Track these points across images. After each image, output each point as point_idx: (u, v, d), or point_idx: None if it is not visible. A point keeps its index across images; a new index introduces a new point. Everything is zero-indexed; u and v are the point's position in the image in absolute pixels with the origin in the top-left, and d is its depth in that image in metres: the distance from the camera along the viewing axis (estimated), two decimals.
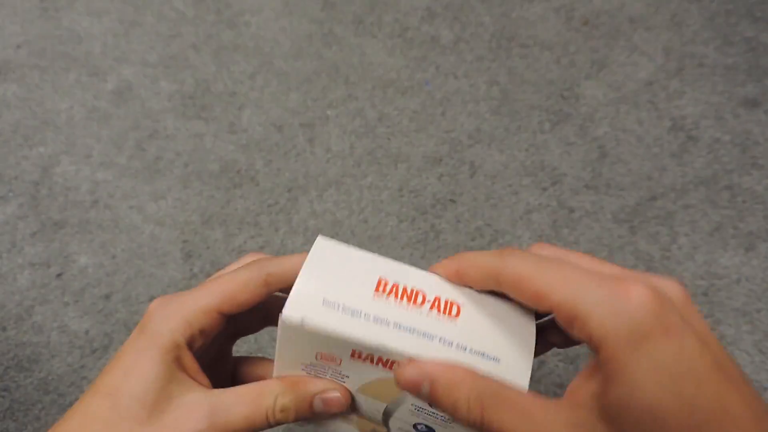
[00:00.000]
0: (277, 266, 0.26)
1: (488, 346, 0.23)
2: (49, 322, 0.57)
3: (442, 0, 0.83)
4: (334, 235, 0.61)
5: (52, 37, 0.80)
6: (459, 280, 0.24)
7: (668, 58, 0.74)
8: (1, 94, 0.74)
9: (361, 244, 0.60)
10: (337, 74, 0.75)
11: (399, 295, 0.23)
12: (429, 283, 0.24)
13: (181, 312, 0.25)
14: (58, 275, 0.60)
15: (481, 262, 0.23)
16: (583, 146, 0.67)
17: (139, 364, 0.24)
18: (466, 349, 0.23)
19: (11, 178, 0.67)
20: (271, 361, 0.30)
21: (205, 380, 0.25)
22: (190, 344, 0.25)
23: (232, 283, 0.25)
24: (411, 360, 0.22)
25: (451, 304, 0.24)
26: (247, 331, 0.31)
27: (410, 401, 0.24)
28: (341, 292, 0.23)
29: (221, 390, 0.24)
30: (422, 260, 0.59)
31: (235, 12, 0.81)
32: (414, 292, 0.24)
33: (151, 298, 0.58)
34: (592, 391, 0.19)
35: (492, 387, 0.22)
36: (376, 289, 0.23)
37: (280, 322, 0.23)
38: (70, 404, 0.52)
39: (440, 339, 0.23)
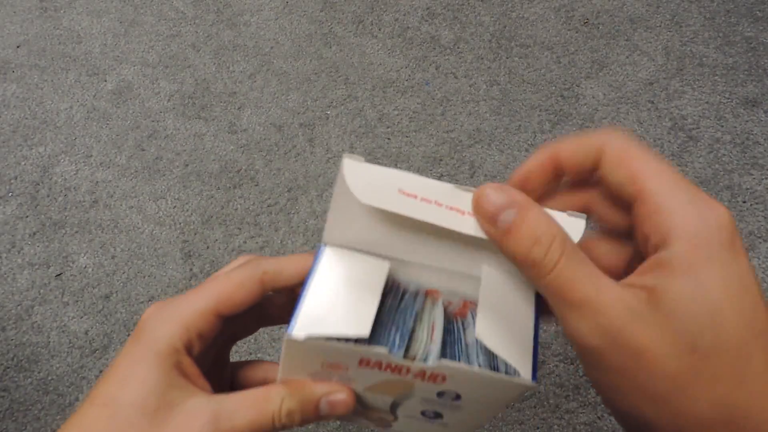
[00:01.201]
0: (272, 265, 0.26)
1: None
2: (49, 322, 0.57)
3: (442, 0, 0.82)
4: None
5: (51, 37, 0.80)
6: (553, 166, 0.23)
7: (668, 57, 0.74)
8: (1, 94, 0.74)
9: None
10: (337, 74, 0.75)
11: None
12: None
13: (177, 316, 0.24)
14: (58, 275, 0.60)
15: (582, 140, 0.22)
16: None
17: (136, 371, 0.23)
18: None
19: (11, 178, 0.67)
20: (270, 363, 0.30)
21: (206, 385, 0.25)
22: (188, 349, 0.24)
23: (228, 284, 0.25)
24: (498, 186, 0.21)
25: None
26: (243, 333, 0.30)
27: (420, 395, 0.24)
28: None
29: (224, 395, 0.24)
30: None
31: (235, 12, 0.81)
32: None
33: (151, 299, 0.58)
34: (651, 284, 0.19)
35: (574, 243, 0.20)
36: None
37: (286, 339, 0.23)
38: (70, 404, 0.52)
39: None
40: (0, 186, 0.66)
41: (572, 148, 0.22)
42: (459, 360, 0.23)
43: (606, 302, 0.19)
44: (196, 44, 0.78)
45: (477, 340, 0.23)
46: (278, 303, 0.29)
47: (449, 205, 0.22)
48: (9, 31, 0.80)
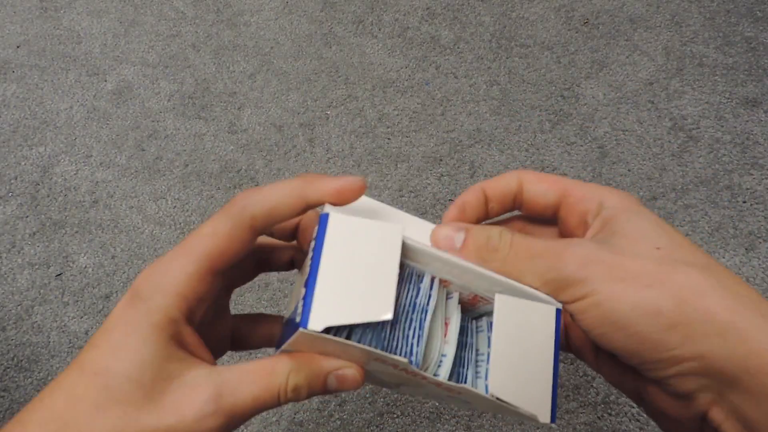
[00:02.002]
0: (260, 208, 0.23)
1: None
2: (49, 322, 0.57)
3: (442, 0, 0.82)
4: None
5: (51, 37, 0.80)
6: (482, 197, 0.27)
7: (668, 57, 0.74)
8: (1, 94, 0.74)
9: None
10: (337, 74, 0.75)
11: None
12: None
13: (172, 285, 0.22)
14: (58, 275, 0.60)
15: (501, 176, 0.27)
16: (583, 146, 0.67)
17: (130, 341, 0.21)
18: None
19: (11, 178, 0.67)
20: (274, 317, 0.29)
21: (208, 355, 0.23)
22: (189, 317, 0.23)
23: (216, 240, 0.23)
24: (444, 224, 0.25)
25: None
26: (241, 281, 0.28)
27: (432, 389, 0.24)
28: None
29: (227, 367, 0.22)
30: None
31: (235, 12, 0.81)
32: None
33: None
34: (605, 228, 0.23)
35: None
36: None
37: (300, 331, 0.21)
38: None
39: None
40: (0, 186, 0.66)
41: (495, 182, 0.26)
42: (468, 369, 0.23)
43: (567, 244, 0.22)
44: (196, 44, 0.78)
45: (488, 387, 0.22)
46: (275, 246, 0.28)
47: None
48: (9, 31, 0.80)
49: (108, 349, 0.21)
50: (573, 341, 0.28)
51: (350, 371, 0.23)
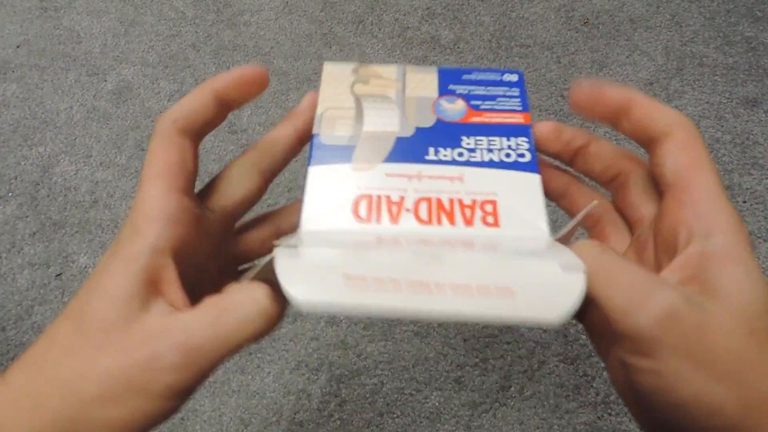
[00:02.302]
0: (175, 111, 0.24)
1: (503, 281, 0.20)
2: (49, 322, 0.57)
3: (442, 0, 0.82)
4: None
5: (51, 37, 0.80)
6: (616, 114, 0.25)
7: (668, 57, 0.74)
8: (0, 94, 0.74)
9: None
10: None
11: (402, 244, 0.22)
12: (428, 240, 0.23)
13: (139, 214, 0.22)
14: (58, 275, 0.60)
15: (660, 108, 0.24)
16: None
17: (103, 283, 0.21)
18: (497, 249, 0.22)
19: (11, 178, 0.67)
20: (269, 215, 0.28)
21: (181, 299, 0.22)
22: (170, 245, 0.22)
23: (156, 155, 0.23)
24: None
25: (461, 243, 0.23)
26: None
27: None
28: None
29: (185, 311, 0.21)
30: None
31: (235, 12, 0.81)
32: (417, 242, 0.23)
33: None
34: (701, 275, 0.20)
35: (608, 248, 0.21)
36: (377, 241, 0.23)
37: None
38: None
39: (463, 247, 0.22)
40: (0, 186, 0.66)
41: (652, 110, 0.24)
42: None
43: (656, 287, 0.19)
44: (196, 44, 0.78)
45: None
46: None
47: (412, 280, 0.19)
48: (9, 31, 0.80)
49: (84, 293, 0.21)
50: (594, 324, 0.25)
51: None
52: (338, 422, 0.51)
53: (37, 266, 0.61)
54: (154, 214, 0.22)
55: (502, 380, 0.53)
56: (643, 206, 0.24)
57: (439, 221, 0.24)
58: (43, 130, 0.71)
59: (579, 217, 0.24)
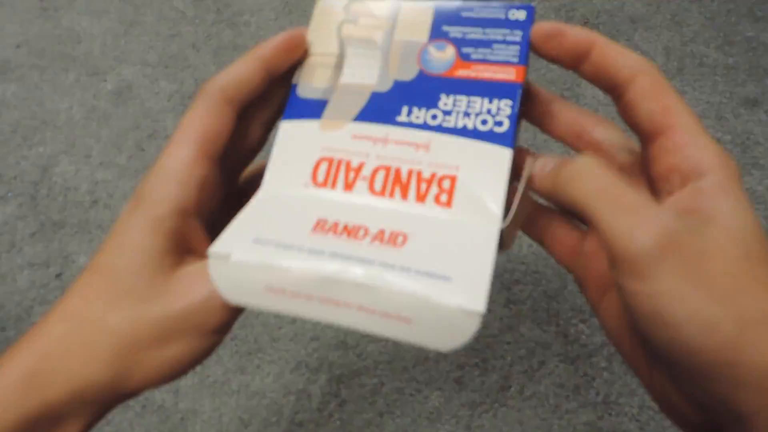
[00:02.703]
0: (223, 79, 0.24)
1: (437, 266, 0.21)
2: None
3: None
4: None
5: (51, 37, 0.80)
6: (547, 42, 0.25)
7: (668, 58, 0.74)
8: (0, 94, 0.74)
9: None
10: None
11: (338, 231, 0.22)
12: (373, 215, 0.23)
13: (168, 177, 0.22)
14: (58, 275, 0.60)
15: (624, 53, 0.24)
16: None
17: (133, 238, 0.22)
18: (410, 270, 0.20)
19: (11, 178, 0.67)
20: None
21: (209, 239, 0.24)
22: (195, 208, 0.23)
23: (197, 121, 0.23)
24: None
25: (396, 234, 0.22)
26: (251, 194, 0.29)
27: None
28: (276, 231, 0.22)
29: None
30: None
31: (234, 12, 0.81)
32: (355, 227, 0.22)
33: None
34: (697, 205, 0.20)
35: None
36: (314, 227, 0.22)
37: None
38: None
39: (380, 263, 0.21)
40: (0, 186, 0.66)
41: (613, 54, 0.24)
42: None
43: (655, 210, 0.19)
44: (196, 44, 0.78)
45: None
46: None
47: (323, 297, 0.21)
48: (9, 31, 0.80)
49: (113, 249, 0.22)
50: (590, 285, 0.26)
51: None
52: (338, 422, 0.51)
53: (37, 266, 0.61)
54: (184, 178, 0.23)
55: (502, 380, 0.53)
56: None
57: (392, 194, 0.23)
58: (43, 130, 0.71)
59: (519, 194, 0.23)
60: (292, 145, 0.25)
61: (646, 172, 0.23)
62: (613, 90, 0.24)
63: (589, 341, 0.54)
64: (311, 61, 0.26)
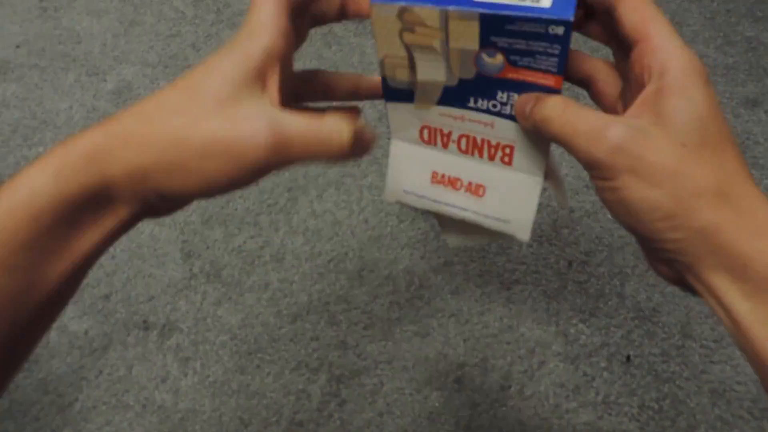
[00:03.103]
0: None
1: (502, 213, 0.34)
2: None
3: None
4: (334, 235, 0.61)
5: (51, 37, 0.80)
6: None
7: None
8: (0, 94, 0.74)
9: (361, 244, 0.60)
10: None
11: (446, 183, 0.35)
12: (463, 169, 0.34)
13: (261, 23, 0.26)
14: None
15: None
16: None
17: (221, 66, 0.25)
18: (488, 216, 0.34)
19: None
20: (325, 72, 0.34)
21: (277, 100, 0.27)
22: (282, 58, 0.26)
23: None
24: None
25: (479, 186, 0.34)
26: (298, 39, 0.32)
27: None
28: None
29: (289, 110, 0.26)
30: (422, 260, 0.59)
31: (234, 12, 0.81)
32: (454, 179, 0.35)
33: (151, 298, 0.58)
34: (655, 107, 0.25)
35: (575, 102, 0.27)
36: (432, 180, 0.35)
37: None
38: (70, 404, 0.52)
39: (472, 211, 0.34)
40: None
41: None
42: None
43: (608, 127, 0.25)
44: (196, 44, 0.78)
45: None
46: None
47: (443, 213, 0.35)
48: (9, 31, 0.80)
49: (201, 71, 0.26)
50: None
51: (369, 132, 0.28)
52: (338, 422, 0.51)
53: None
54: (268, 26, 0.26)
55: (502, 380, 0.53)
56: (615, 87, 0.30)
57: (472, 153, 0.34)
58: (43, 130, 0.71)
59: (552, 164, 0.33)
60: (400, 116, 0.34)
61: (630, 75, 0.28)
62: (606, 10, 0.29)
63: (589, 341, 0.54)
64: (388, 62, 0.32)
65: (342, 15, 0.33)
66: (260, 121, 0.25)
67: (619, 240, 0.60)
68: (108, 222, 0.26)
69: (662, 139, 0.25)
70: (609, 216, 0.61)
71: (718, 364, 0.52)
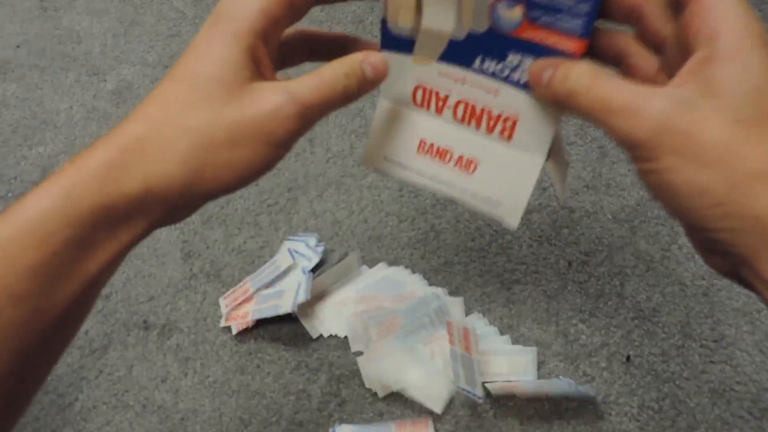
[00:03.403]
0: None
1: (493, 193, 0.30)
2: None
3: None
4: (334, 235, 0.61)
5: (51, 37, 0.80)
6: None
7: None
8: (0, 94, 0.74)
9: (361, 244, 0.60)
10: None
11: (433, 154, 0.31)
12: (456, 139, 0.31)
13: (254, 8, 0.25)
14: None
15: None
16: (583, 146, 0.67)
17: (214, 48, 0.24)
18: (477, 196, 0.31)
19: (11, 178, 0.67)
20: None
21: (273, 75, 0.27)
22: (264, 35, 0.25)
23: None
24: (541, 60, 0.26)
25: (470, 161, 0.31)
26: (290, 60, 0.32)
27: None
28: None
29: (293, 79, 0.26)
30: (422, 260, 0.59)
31: None
32: (443, 150, 0.31)
33: (151, 298, 0.58)
34: (701, 75, 0.22)
35: (604, 71, 0.24)
36: (418, 149, 0.32)
37: None
38: (70, 404, 0.52)
39: (459, 188, 0.31)
40: (0, 186, 0.66)
41: None
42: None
43: (647, 101, 0.22)
44: None
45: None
46: (327, 38, 0.32)
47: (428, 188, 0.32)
48: (9, 31, 0.80)
49: (195, 58, 0.25)
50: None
51: (375, 57, 0.27)
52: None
53: None
54: (267, 8, 0.25)
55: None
56: (664, 28, 0.26)
57: (469, 123, 0.30)
58: (43, 130, 0.71)
59: (555, 146, 0.30)
60: (393, 69, 0.30)
61: (677, 41, 0.25)
62: None
63: (589, 341, 0.54)
64: (393, 1, 0.29)
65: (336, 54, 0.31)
66: (278, 94, 0.24)
67: (619, 240, 0.60)
68: (123, 237, 0.24)
69: (712, 113, 0.21)
70: (609, 216, 0.61)
71: (718, 364, 0.52)
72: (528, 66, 0.27)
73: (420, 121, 0.31)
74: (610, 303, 0.56)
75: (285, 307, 0.53)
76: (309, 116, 0.25)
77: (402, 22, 0.29)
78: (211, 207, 0.64)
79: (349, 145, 0.68)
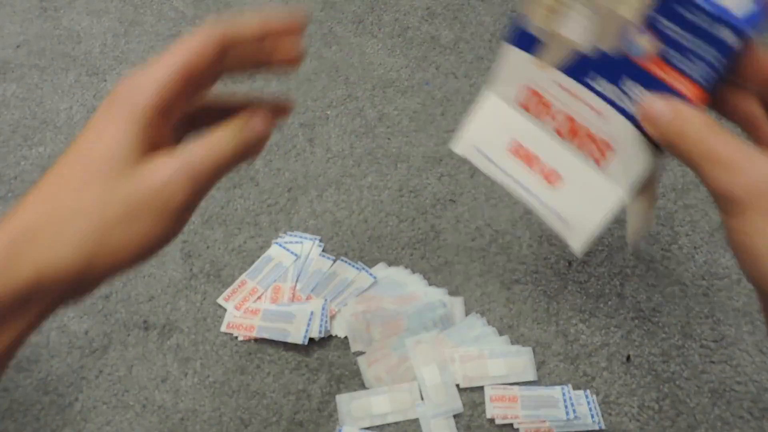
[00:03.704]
0: (231, 26, 0.28)
1: (567, 212, 0.30)
2: (49, 322, 0.57)
3: (442, 0, 0.82)
4: (334, 236, 0.61)
5: (51, 37, 0.80)
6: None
7: None
8: (0, 94, 0.74)
9: (361, 244, 0.60)
10: (337, 74, 0.75)
11: (521, 156, 0.32)
12: (547, 149, 0.31)
13: (150, 80, 0.25)
14: None
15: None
16: None
17: (108, 128, 0.25)
18: (552, 210, 0.31)
19: (11, 178, 0.67)
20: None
21: (171, 141, 0.27)
22: (163, 110, 0.25)
23: (188, 50, 0.26)
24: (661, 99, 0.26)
25: (556, 175, 0.31)
26: (202, 88, 0.31)
27: None
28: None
29: (186, 145, 0.26)
30: (422, 260, 0.59)
31: (234, 12, 0.81)
32: (533, 156, 0.32)
33: (151, 298, 0.58)
34: None
35: (716, 122, 0.25)
36: (509, 149, 0.32)
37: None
38: (70, 404, 0.52)
39: (539, 199, 0.31)
40: (0, 186, 0.66)
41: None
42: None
43: (753, 161, 0.23)
44: None
45: None
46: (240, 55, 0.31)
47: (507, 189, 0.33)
48: (9, 31, 0.80)
49: (89, 139, 0.25)
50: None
51: (257, 118, 0.28)
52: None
53: None
54: (162, 83, 0.25)
55: None
56: None
57: (565, 136, 0.30)
58: (43, 130, 0.71)
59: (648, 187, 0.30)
60: (510, 65, 0.30)
61: None
62: None
63: (589, 341, 0.54)
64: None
65: (263, 63, 0.31)
66: (168, 166, 0.24)
67: (619, 240, 0.60)
68: (17, 325, 0.23)
69: None
70: None
71: (718, 364, 0.52)
72: (640, 97, 0.27)
73: (518, 122, 0.31)
74: (610, 303, 0.56)
75: (295, 336, 0.53)
76: (202, 182, 0.25)
77: (537, 20, 0.29)
78: (211, 207, 0.64)
79: (349, 145, 0.68)
